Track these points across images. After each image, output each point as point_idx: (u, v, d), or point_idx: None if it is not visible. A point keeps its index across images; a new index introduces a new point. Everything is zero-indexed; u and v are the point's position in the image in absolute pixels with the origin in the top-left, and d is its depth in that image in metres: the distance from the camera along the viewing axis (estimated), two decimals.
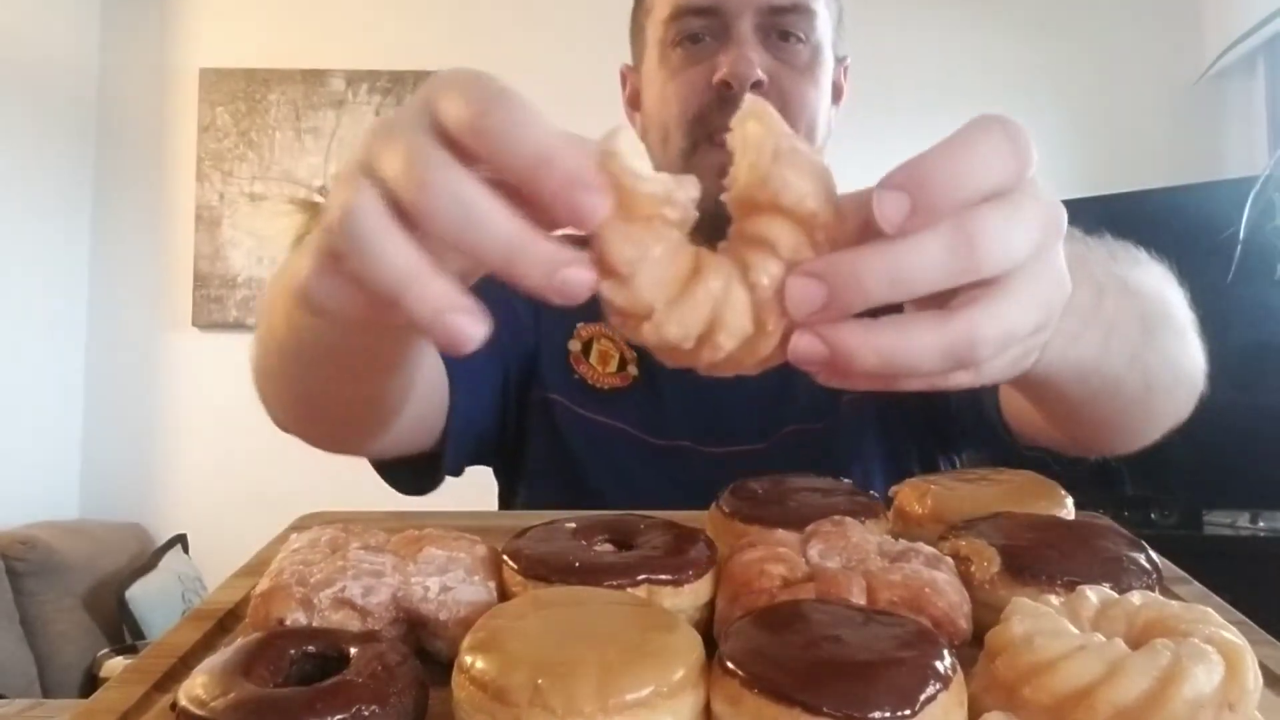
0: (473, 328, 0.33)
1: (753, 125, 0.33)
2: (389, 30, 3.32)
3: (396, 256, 0.33)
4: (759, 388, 0.85)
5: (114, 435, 3.27)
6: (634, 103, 0.94)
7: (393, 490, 0.80)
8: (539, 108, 0.33)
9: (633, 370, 0.89)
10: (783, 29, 0.83)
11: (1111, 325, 0.50)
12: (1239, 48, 2.73)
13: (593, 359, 0.89)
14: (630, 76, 0.95)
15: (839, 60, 0.91)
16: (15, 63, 2.94)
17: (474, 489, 0.93)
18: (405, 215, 0.33)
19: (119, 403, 3.29)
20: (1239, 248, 2.24)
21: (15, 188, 2.96)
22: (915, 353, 0.33)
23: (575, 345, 0.89)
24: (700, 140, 0.83)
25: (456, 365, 0.73)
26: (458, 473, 0.81)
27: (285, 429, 0.65)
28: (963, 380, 0.36)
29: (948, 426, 0.85)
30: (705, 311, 0.33)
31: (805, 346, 0.33)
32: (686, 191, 0.33)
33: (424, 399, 0.67)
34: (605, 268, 0.32)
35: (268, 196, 3.30)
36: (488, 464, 0.92)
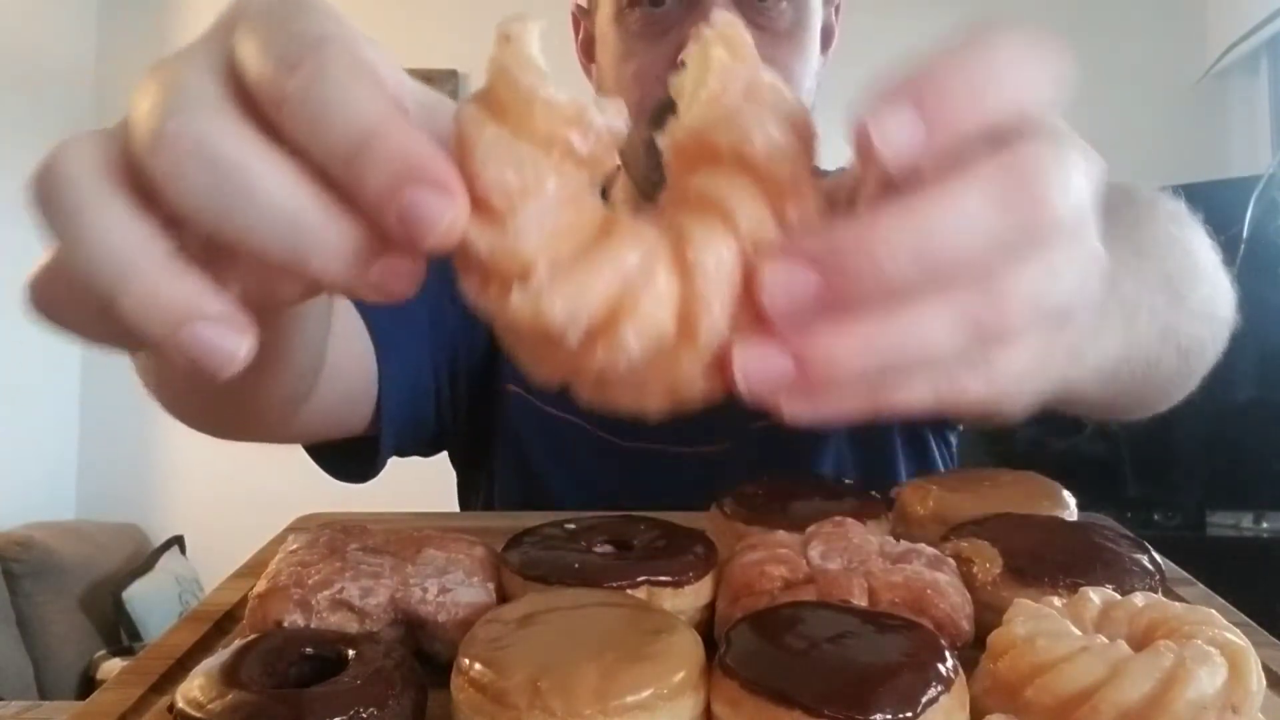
0: (232, 343, 0.23)
1: (719, 53, 0.25)
2: (388, 28, 3.32)
3: (110, 233, 0.23)
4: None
5: (111, 436, 3.27)
6: (588, 51, 0.83)
7: (391, 491, 0.80)
8: (388, 60, 0.23)
9: None
10: None
11: (1135, 306, 0.43)
12: (1242, 46, 2.73)
13: None
14: (584, 21, 0.83)
15: (829, 1, 0.81)
16: (12, 63, 2.94)
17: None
18: (144, 183, 0.23)
19: (116, 403, 3.28)
20: (1242, 247, 2.24)
21: (12, 187, 2.95)
22: (927, 336, 0.23)
23: None
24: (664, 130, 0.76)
25: (384, 339, 0.65)
26: (398, 454, 0.74)
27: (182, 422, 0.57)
28: (975, 386, 0.26)
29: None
30: (609, 289, 0.22)
31: (760, 361, 0.23)
32: (607, 117, 0.23)
33: (340, 379, 0.59)
34: (474, 198, 0.22)
35: None
36: (429, 453, 0.82)
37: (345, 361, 0.60)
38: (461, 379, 0.78)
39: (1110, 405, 0.51)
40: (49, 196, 0.25)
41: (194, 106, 0.22)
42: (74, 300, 0.26)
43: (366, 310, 0.61)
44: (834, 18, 0.83)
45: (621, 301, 0.22)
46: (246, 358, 0.23)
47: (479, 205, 0.22)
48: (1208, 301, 0.52)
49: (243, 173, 0.22)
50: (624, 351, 0.22)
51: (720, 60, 0.24)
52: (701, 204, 0.23)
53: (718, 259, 0.22)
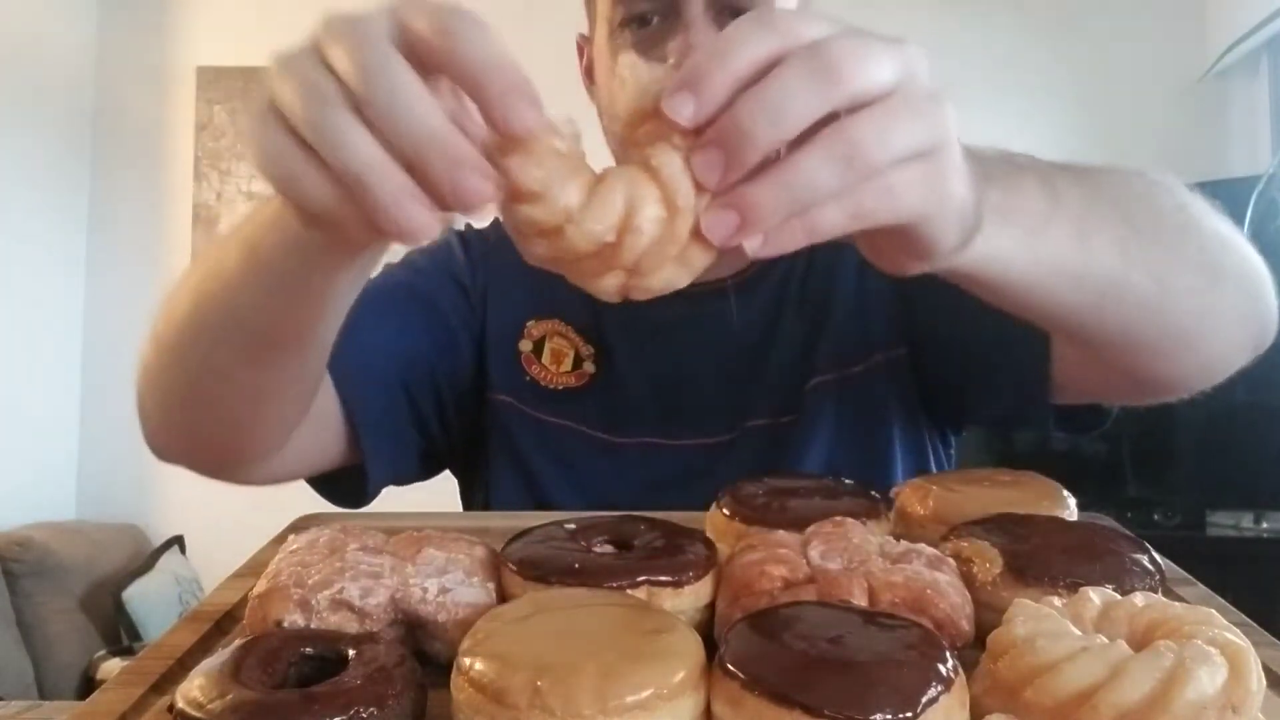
0: (428, 217, 0.35)
1: (628, 72, 0.38)
2: None
3: (360, 144, 0.35)
4: (723, 378, 0.83)
5: (111, 436, 3.26)
6: (590, 74, 0.88)
7: (391, 492, 0.80)
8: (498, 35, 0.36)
9: (589, 367, 0.85)
10: (737, 5, 0.74)
11: (1081, 220, 0.51)
12: (1242, 46, 2.73)
13: (545, 359, 0.85)
14: (586, 47, 0.88)
15: (807, 4, 0.82)
16: (12, 61, 2.94)
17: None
18: (353, 101, 0.35)
19: (116, 403, 3.26)
20: None
21: (12, 186, 2.95)
22: (811, 172, 0.36)
23: (526, 345, 0.85)
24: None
25: (356, 390, 0.72)
26: (396, 483, 0.79)
27: (164, 451, 0.66)
28: (881, 209, 0.38)
29: (960, 399, 0.81)
30: (619, 201, 0.35)
31: (717, 219, 0.36)
32: (569, 127, 0.37)
33: (314, 418, 0.66)
34: (519, 195, 0.35)
35: (265, 195, 3.30)
36: (426, 476, 0.86)
37: (316, 399, 0.66)
38: (447, 398, 0.82)
39: (1095, 322, 0.55)
40: (308, 113, 0.36)
41: (384, 54, 0.35)
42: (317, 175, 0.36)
43: (337, 360, 0.64)
44: None
45: (630, 206, 0.35)
46: (435, 232, 0.35)
47: (525, 197, 0.35)
48: (1203, 253, 0.57)
49: (412, 94, 0.35)
50: (642, 235, 0.35)
51: (636, 73, 0.38)
52: (650, 140, 0.37)
53: (672, 162, 0.36)
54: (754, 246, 0.37)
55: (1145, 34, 3.14)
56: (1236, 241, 0.60)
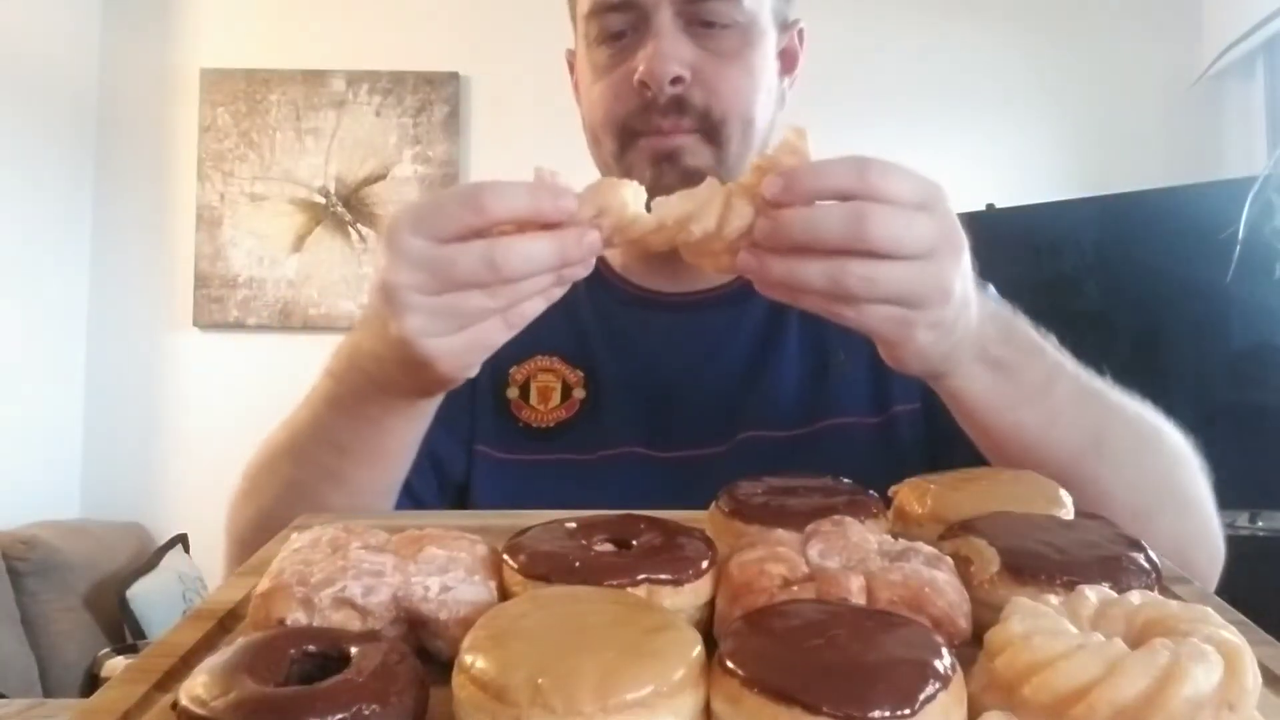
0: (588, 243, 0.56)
1: (787, 158, 0.54)
2: (389, 30, 3.32)
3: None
4: (717, 391, 0.84)
5: (115, 435, 3.27)
6: (578, 90, 0.92)
7: None
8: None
9: (579, 394, 0.85)
10: (704, 18, 0.79)
11: (1057, 413, 0.64)
12: (1238, 48, 2.74)
13: (533, 400, 0.85)
14: (574, 63, 0.92)
15: (787, 26, 0.87)
16: (16, 63, 2.94)
17: None
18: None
19: (120, 403, 3.29)
20: (1238, 248, 2.24)
21: (16, 188, 2.96)
22: (807, 272, 0.53)
23: (514, 392, 0.85)
24: (628, 143, 0.81)
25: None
26: None
27: (242, 534, 0.73)
28: (848, 315, 0.55)
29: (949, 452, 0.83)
30: (684, 209, 0.56)
31: (744, 258, 0.55)
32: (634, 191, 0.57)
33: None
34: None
35: (268, 197, 3.30)
36: None
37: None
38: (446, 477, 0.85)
39: (1052, 457, 0.64)
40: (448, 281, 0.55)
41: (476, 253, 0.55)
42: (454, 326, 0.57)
43: None
44: (797, 43, 0.89)
45: (692, 216, 0.56)
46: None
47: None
48: (1155, 471, 0.69)
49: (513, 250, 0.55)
50: (691, 234, 0.56)
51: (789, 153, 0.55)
52: (743, 191, 0.56)
53: (745, 213, 0.55)
54: (760, 285, 0.56)
55: (1142, 37, 3.14)
56: (1204, 498, 0.71)
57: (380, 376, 0.63)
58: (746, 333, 0.87)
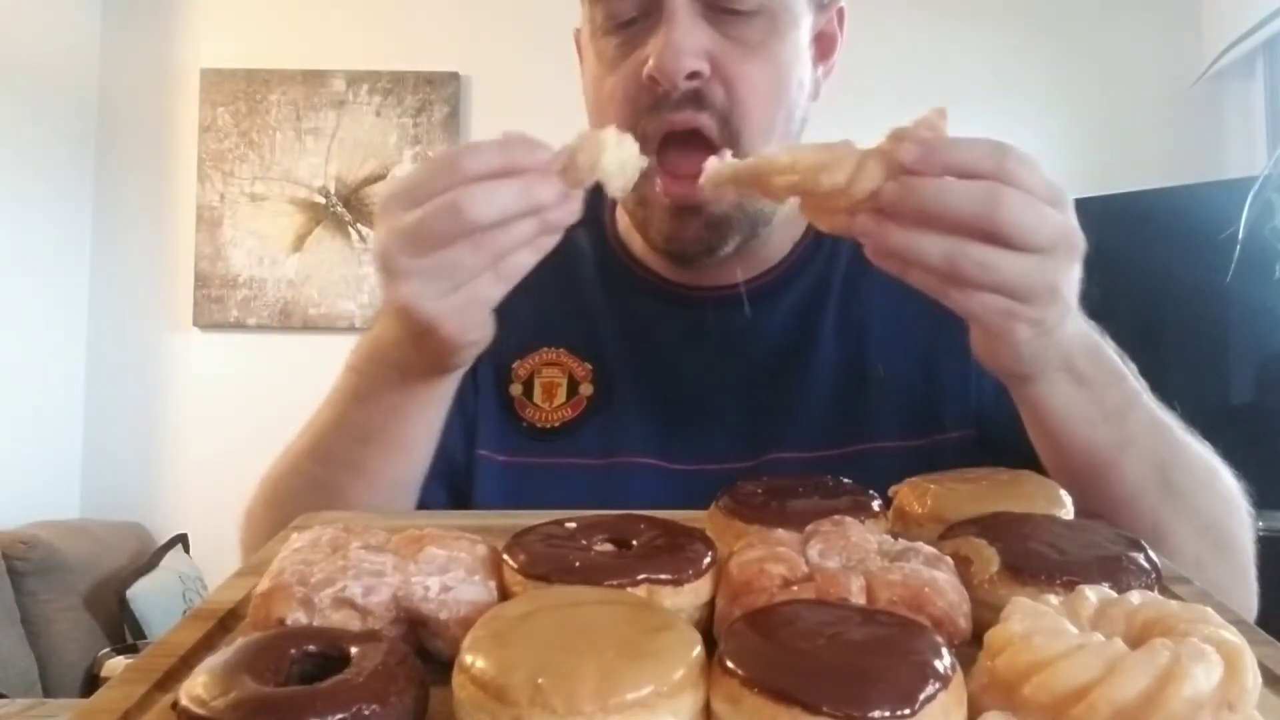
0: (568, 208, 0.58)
1: (925, 133, 0.53)
2: (389, 30, 3.32)
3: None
4: (738, 399, 0.79)
5: (115, 435, 3.27)
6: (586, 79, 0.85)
7: None
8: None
9: (586, 390, 0.81)
10: (725, 4, 0.71)
11: (1130, 440, 0.63)
12: (1238, 48, 2.73)
13: (537, 397, 0.81)
14: (582, 42, 0.85)
15: (825, 7, 0.79)
16: (16, 63, 2.94)
17: None
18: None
19: (120, 403, 3.29)
20: (1238, 248, 2.24)
21: (16, 188, 2.96)
22: (927, 246, 0.52)
23: (517, 389, 0.81)
24: (643, 145, 0.71)
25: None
26: None
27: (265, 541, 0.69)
28: (954, 296, 0.54)
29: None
30: (819, 158, 0.55)
31: (864, 221, 0.53)
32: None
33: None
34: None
35: (268, 196, 3.30)
36: None
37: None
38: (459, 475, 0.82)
39: (1085, 485, 0.63)
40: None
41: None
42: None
43: None
44: (837, 26, 0.81)
45: (824, 167, 0.54)
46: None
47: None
48: (1209, 514, 0.68)
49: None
50: (819, 185, 0.54)
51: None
52: (879, 155, 0.54)
53: (876, 173, 0.53)
54: (872, 252, 0.55)
55: (1142, 37, 3.14)
56: (1247, 547, 0.70)
57: (399, 359, 0.64)
58: (772, 336, 0.81)
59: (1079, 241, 0.55)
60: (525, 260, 0.58)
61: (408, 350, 0.63)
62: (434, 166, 0.57)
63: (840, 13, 0.81)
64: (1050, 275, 0.53)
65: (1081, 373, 0.61)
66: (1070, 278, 0.55)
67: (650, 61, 0.70)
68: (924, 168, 0.51)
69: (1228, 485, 0.71)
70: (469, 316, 0.59)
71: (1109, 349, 0.65)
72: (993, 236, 0.51)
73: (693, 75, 0.70)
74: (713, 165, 0.60)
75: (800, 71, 0.76)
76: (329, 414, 0.71)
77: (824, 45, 0.80)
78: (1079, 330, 0.61)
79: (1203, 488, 0.68)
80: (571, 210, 0.58)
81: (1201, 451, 0.70)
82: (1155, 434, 0.65)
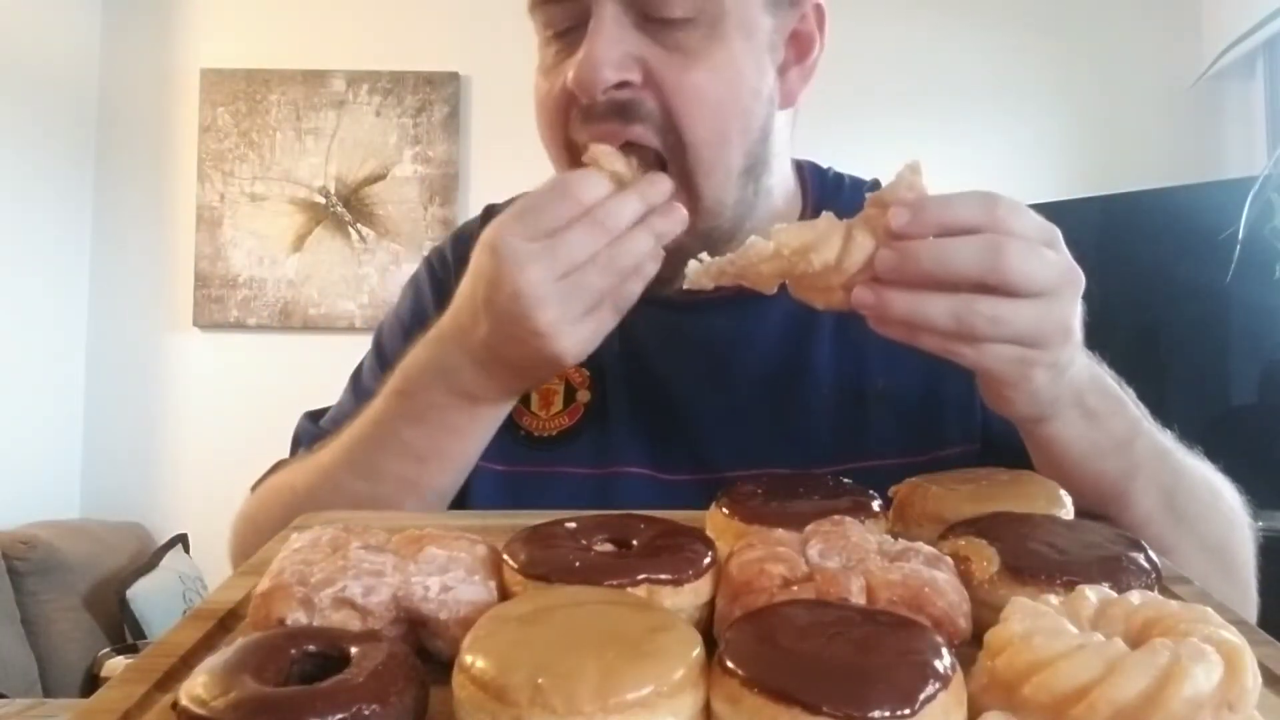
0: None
1: (905, 194, 0.54)
2: (389, 30, 3.32)
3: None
4: (729, 411, 0.77)
5: (115, 435, 3.27)
6: None
7: None
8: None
9: (583, 396, 0.80)
10: (653, 14, 0.67)
11: (1137, 467, 0.64)
12: (1238, 49, 2.73)
13: (534, 406, 0.80)
14: None
15: (795, 4, 0.74)
16: (16, 63, 2.94)
17: None
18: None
19: (120, 402, 3.29)
20: (1238, 248, 2.24)
21: (16, 188, 2.96)
22: (933, 310, 0.51)
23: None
24: (574, 163, 0.69)
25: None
26: None
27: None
28: (966, 354, 0.53)
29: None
30: (804, 239, 0.55)
31: (862, 292, 0.53)
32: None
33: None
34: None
35: (269, 197, 3.31)
36: None
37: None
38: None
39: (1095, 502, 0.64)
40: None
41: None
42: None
43: None
44: (815, 25, 0.76)
45: (811, 246, 0.54)
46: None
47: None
48: (1214, 534, 0.69)
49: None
50: (811, 265, 0.54)
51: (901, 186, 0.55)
52: (864, 223, 0.54)
53: (866, 244, 0.53)
54: (874, 320, 0.54)
55: (1142, 37, 3.14)
56: (1248, 562, 0.72)
57: (470, 385, 0.67)
58: (761, 348, 0.79)
59: (1079, 277, 0.55)
60: (640, 287, 0.63)
61: (479, 376, 0.66)
62: (550, 198, 0.62)
63: (818, 10, 0.76)
64: (1060, 316, 0.54)
65: (1091, 407, 0.61)
66: (1077, 314, 0.56)
67: (570, 73, 0.67)
68: (916, 230, 0.51)
69: (1230, 504, 0.71)
70: (597, 337, 0.63)
71: (1109, 376, 0.65)
72: (998, 288, 0.51)
73: (620, 85, 0.67)
74: (693, 268, 0.58)
75: (755, 79, 0.71)
76: (372, 432, 0.71)
77: (800, 46, 0.75)
78: (1084, 363, 0.61)
79: (1207, 509, 0.69)
80: (681, 218, 0.64)
81: (1204, 472, 0.70)
82: (1159, 460, 0.65)
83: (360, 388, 0.84)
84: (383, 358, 0.84)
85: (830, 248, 0.53)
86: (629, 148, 0.68)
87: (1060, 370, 0.56)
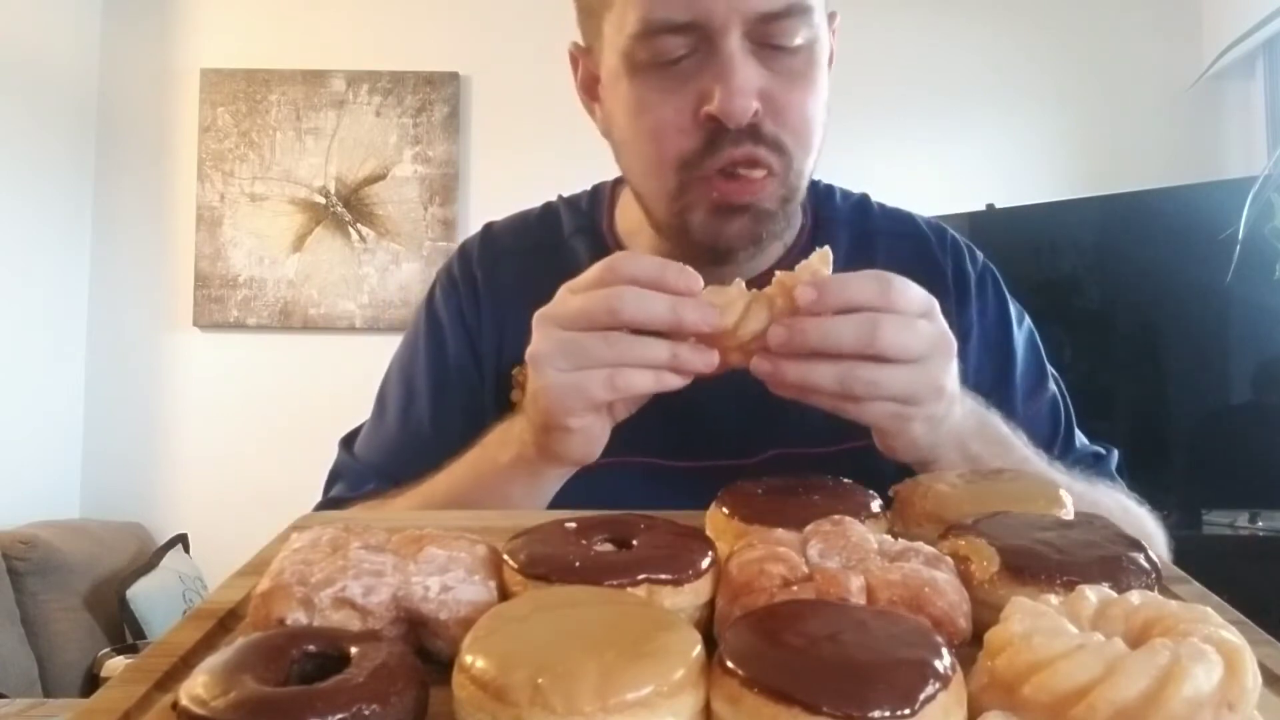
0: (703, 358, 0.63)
1: (808, 275, 0.61)
2: (389, 30, 3.32)
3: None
4: (736, 398, 0.77)
5: (115, 435, 3.28)
6: (590, 90, 0.84)
7: None
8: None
9: None
10: (774, 41, 0.73)
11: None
12: (1238, 49, 2.74)
13: None
14: (583, 60, 0.84)
15: (831, 18, 0.81)
16: (16, 63, 2.94)
17: None
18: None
19: (120, 402, 3.29)
20: (1238, 248, 2.24)
21: (16, 188, 2.96)
22: (819, 375, 0.60)
23: (517, 394, 0.81)
24: (692, 180, 0.75)
25: None
26: None
27: None
28: (850, 410, 0.62)
29: None
30: (717, 319, 0.61)
31: (759, 361, 0.61)
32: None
33: None
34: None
35: (269, 197, 3.31)
36: None
37: None
38: None
39: None
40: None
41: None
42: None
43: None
44: (832, 37, 0.82)
45: (719, 308, 0.61)
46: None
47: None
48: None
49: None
50: (711, 325, 0.61)
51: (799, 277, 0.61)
52: (764, 299, 0.62)
53: (761, 317, 0.61)
54: (772, 386, 0.62)
55: (1142, 37, 3.15)
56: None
57: (530, 456, 0.70)
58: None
59: (951, 343, 0.63)
60: (642, 383, 0.62)
61: (531, 450, 0.68)
62: (600, 269, 0.63)
63: (832, 15, 0.82)
64: (931, 378, 0.62)
65: (974, 452, 0.69)
66: (950, 373, 0.64)
67: (717, 103, 0.71)
68: (819, 308, 0.59)
69: (1136, 517, 0.78)
70: (569, 400, 0.62)
71: (997, 421, 0.73)
72: (876, 358, 0.59)
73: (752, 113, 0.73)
74: None
75: (825, 93, 0.79)
76: (444, 487, 0.76)
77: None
78: (967, 410, 0.69)
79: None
80: (708, 360, 0.62)
81: (1100, 497, 0.75)
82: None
83: (386, 422, 0.88)
84: (413, 391, 0.87)
85: (730, 315, 0.61)
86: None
87: (937, 422, 0.65)
